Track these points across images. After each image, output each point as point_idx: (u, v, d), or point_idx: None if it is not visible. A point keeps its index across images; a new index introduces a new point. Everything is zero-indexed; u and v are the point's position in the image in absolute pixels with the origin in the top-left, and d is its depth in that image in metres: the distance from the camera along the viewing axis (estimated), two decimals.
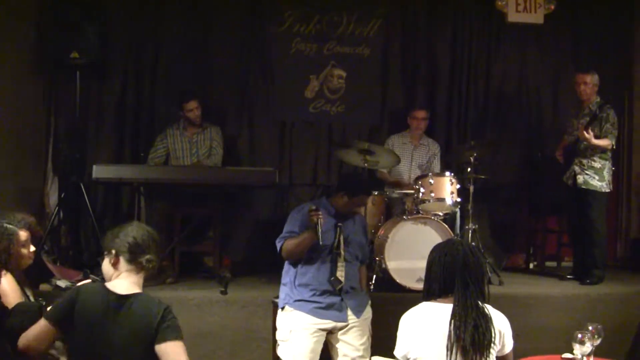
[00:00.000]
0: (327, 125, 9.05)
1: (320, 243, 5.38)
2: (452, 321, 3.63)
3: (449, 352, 3.59)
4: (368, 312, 5.67)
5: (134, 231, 3.83)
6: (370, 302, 5.78)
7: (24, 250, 4.27)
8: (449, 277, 3.74)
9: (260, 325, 6.36)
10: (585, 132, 7.26)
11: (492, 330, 3.67)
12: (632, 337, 6.87)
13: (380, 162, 7.26)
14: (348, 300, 5.51)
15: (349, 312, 5.48)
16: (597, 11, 9.37)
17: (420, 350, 3.70)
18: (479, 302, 3.71)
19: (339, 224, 5.59)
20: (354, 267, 5.70)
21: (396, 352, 3.82)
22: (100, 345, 3.58)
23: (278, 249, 5.56)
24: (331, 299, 5.45)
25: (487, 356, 3.64)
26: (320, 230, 5.35)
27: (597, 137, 7.34)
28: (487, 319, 3.68)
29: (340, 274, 5.52)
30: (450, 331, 3.61)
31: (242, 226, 7.97)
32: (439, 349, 3.63)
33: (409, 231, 6.81)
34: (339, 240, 5.57)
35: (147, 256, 3.79)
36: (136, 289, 3.77)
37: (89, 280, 4.22)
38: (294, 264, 5.58)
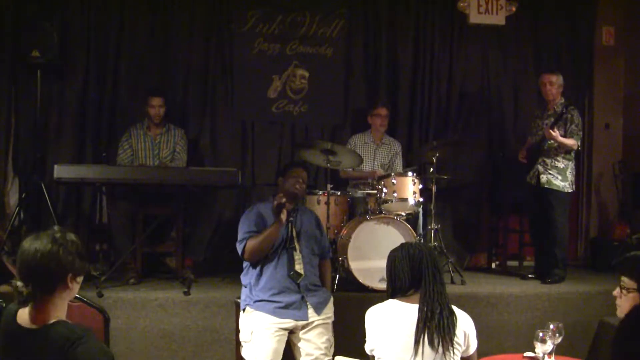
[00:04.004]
0: (290, 126, 9.05)
1: (292, 219, 5.57)
2: (420, 313, 3.68)
3: (416, 343, 3.63)
4: (330, 310, 5.65)
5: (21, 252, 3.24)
6: (332, 299, 5.77)
7: None
8: (417, 272, 3.79)
9: (223, 326, 6.36)
10: (551, 131, 7.32)
11: (455, 318, 3.73)
12: (592, 336, 6.93)
13: (342, 162, 7.29)
14: (309, 298, 5.51)
15: (310, 310, 5.47)
16: (558, 14, 9.47)
17: (383, 350, 3.72)
18: (444, 293, 3.79)
19: (290, 218, 5.60)
20: (312, 264, 5.71)
21: (365, 347, 3.87)
22: None
23: (240, 251, 5.53)
24: (291, 297, 5.45)
25: (452, 348, 3.68)
26: (285, 213, 5.48)
27: (562, 137, 7.41)
28: (452, 312, 3.74)
29: (299, 267, 5.54)
30: (417, 321, 3.66)
31: (204, 226, 7.94)
32: (402, 350, 3.66)
33: (371, 231, 6.81)
34: (291, 235, 5.60)
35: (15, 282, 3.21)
36: (47, 319, 3.17)
37: None
38: (253, 265, 5.58)
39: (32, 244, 3.19)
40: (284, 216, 5.49)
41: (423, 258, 3.83)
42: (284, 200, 5.48)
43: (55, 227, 3.30)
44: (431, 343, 3.65)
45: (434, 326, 3.66)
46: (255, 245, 5.47)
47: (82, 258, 3.27)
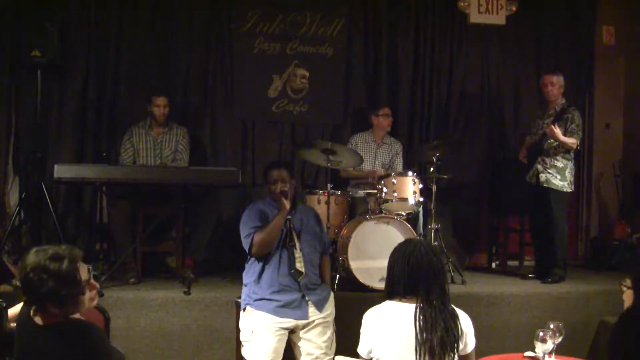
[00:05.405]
0: (290, 125, 9.05)
1: (290, 217, 5.56)
2: (418, 322, 3.65)
3: (417, 353, 3.62)
4: (331, 307, 5.63)
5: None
6: (332, 295, 5.76)
7: None
8: (413, 279, 3.75)
9: (223, 325, 6.34)
10: (553, 127, 7.30)
11: (460, 330, 3.71)
12: (593, 335, 6.94)
13: (343, 161, 7.28)
14: (310, 296, 5.49)
15: (311, 309, 5.46)
16: (558, 13, 9.48)
17: (382, 350, 3.71)
18: (445, 302, 3.74)
19: (288, 216, 5.59)
20: (313, 263, 5.69)
21: (360, 350, 3.84)
22: None
23: (248, 246, 5.50)
24: (291, 295, 5.43)
25: (452, 355, 3.67)
26: (288, 202, 5.53)
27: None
28: (456, 319, 3.72)
29: (300, 265, 5.51)
30: (416, 332, 3.63)
31: (204, 226, 7.93)
32: (402, 349, 3.65)
33: (371, 231, 6.80)
34: (290, 233, 5.59)
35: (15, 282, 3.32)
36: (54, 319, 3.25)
37: None
38: (256, 263, 5.56)
39: (27, 259, 3.27)
40: (287, 204, 5.52)
41: (421, 264, 3.75)
42: (286, 188, 5.52)
43: (51, 251, 3.33)
44: (432, 355, 3.63)
45: (437, 344, 3.63)
46: (263, 237, 5.45)
47: (69, 286, 3.23)
